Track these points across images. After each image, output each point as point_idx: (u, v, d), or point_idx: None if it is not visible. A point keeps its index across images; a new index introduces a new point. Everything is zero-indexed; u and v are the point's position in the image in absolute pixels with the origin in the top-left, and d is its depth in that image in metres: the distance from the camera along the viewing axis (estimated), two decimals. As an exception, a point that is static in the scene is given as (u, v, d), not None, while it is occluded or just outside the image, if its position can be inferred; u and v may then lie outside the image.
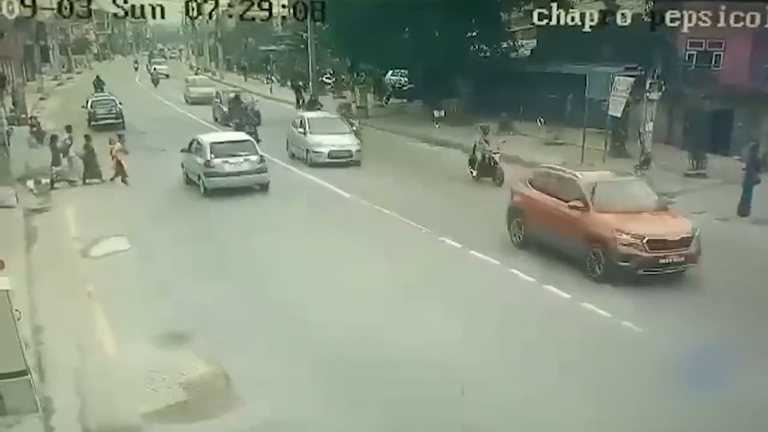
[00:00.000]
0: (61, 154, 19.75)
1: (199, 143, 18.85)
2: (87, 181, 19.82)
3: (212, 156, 18.09)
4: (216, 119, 32.64)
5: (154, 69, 61.85)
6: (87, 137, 20.48)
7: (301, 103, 36.75)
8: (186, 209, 17.41)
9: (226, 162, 18.12)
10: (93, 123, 29.36)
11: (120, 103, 30.96)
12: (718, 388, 7.92)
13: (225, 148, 18.55)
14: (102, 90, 39.30)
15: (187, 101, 41.27)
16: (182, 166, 19.73)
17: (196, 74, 58.90)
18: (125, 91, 42.28)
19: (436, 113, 29.42)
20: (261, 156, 18.71)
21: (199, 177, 18.50)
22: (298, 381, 8.68)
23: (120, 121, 29.53)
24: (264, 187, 18.51)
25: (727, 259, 12.68)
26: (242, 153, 18.43)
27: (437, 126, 28.87)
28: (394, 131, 29.31)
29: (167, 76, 60.24)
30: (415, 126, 29.58)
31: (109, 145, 20.08)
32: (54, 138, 20.22)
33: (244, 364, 9.03)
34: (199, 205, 17.77)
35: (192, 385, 8.70)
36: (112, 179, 19.78)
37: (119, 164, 19.64)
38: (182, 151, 19.58)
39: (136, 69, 73.18)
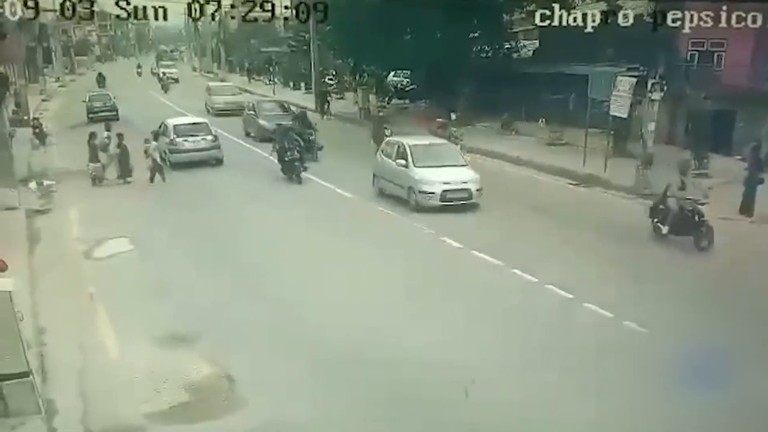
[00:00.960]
0: (101, 152, 20.08)
1: (165, 126, 22.64)
2: (119, 179, 20.09)
3: (175, 136, 21.92)
4: (248, 134, 28.14)
5: (163, 73, 56.39)
6: (120, 135, 20.48)
7: (325, 109, 34.68)
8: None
9: (186, 140, 21.90)
10: (90, 115, 32.43)
11: (114, 98, 34.86)
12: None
13: (185, 130, 22.50)
14: (104, 86, 44.47)
15: (208, 111, 35.48)
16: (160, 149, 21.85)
17: (221, 80, 52.41)
18: (132, 98, 38.90)
19: (453, 116, 27.72)
20: (215, 136, 22.63)
21: (165, 153, 21.55)
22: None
23: (114, 113, 32.48)
24: (219, 161, 22.27)
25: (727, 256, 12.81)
26: (199, 133, 22.32)
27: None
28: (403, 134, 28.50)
29: (177, 80, 55.79)
30: (422, 128, 29.09)
31: (145, 144, 20.22)
32: (92, 135, 20.36)
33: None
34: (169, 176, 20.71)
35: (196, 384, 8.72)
36: (151, 179, 20.02)
37: (155, 162, 19.97)
38: (152, 132, 21.46)
39: (140, 73, 66.01)
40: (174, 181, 20.47)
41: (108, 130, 21.07)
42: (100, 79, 48.31)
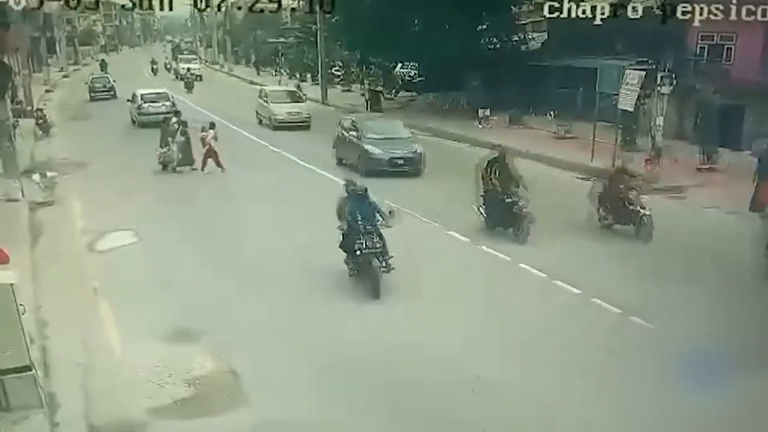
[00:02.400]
0: (170, 138, 20.39)
1: (134, 95, 29.08)
2: (178, 168, 20.33)
3: (142, 102, 28.23)
4: (341, 161, 21.08)
5: (187, 69, 47.55)
6: (184, 123, 20.75)
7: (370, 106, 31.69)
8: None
9: (151, 106, 27.77)
10: (92, 94, 38.14)
11: (114, 81, 39.29)
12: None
13: (150, 98, 28.61)
14: (105, 71, 47.50)
15: (260, 122, 29.36)
16: (129, 111, 29.25)
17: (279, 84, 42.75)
18: None
19: (480, 113, 26.97)
20: (173, 102, 27.98)
21: (134, 115, 28.57)
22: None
23: (112, 93, 37.67)
24: None
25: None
26: (161, 100, 28.18)
27: (480, 126, 26.71)
28: (418, 128, 26.71)
29: (200, 77, 47.85)
30: (429, 119, 28.77)
31: (201, 133, 20.37)
32: (166, 120, 21.13)
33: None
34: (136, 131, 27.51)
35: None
36: (202, 168, 20.27)
37: (211, 151, 20.16)
38: (128, 101, 28.81)
39: (155, 70, 56.89)
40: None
41: (178, 116, 21.34)
42: (103, 65, 53.58)
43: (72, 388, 8.38)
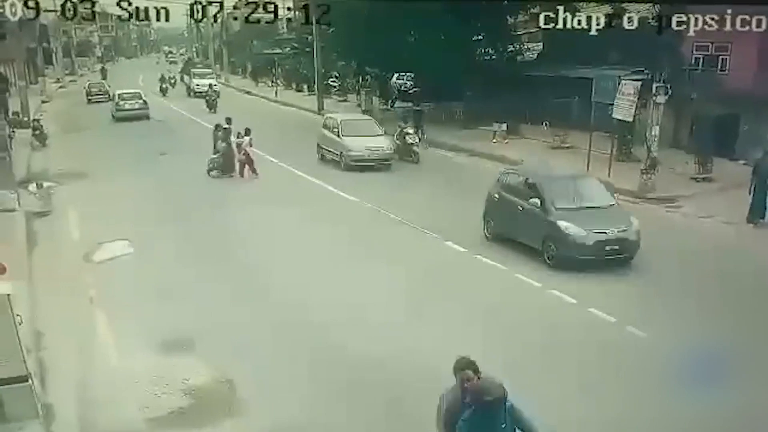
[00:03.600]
0: (220, 143, 21.10)
1: (114, 95, 36.04)
2: (213, 173, 20.94)
3: (118, 100, 34.57)
4: (486, 231, 14.87)
5: (209, 86, 41.10)
6: (226, 130, 21.34)
7: (422, 137, 25.69)
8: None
9: (127, 103, 34.33)
10: (89, 98, 42.64)
11: (109, 85, 44.07)
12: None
13: (126, 96, 34.85)
14: (105, 78, 51.77)
15: (322, 158, 23.50)
16: (110, 109, 35.02)
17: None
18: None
19: (496, 126, 26.21)
20: (145, 100, 34.84)
21: (113, 111, 34.63)
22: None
23: (107, 96, 40.74)
24: (147, 116, 34.15)
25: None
26: (135, 99, 34.63)
27: (494, 142, 25.79)
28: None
29: (219, 94, 39.88)
30: (430, 131, 28.20)
31: (237, 140, 20.78)
32: (217, 127, 21.85)
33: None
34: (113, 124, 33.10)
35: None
36: (241, 174, 20.74)
37: (247, 157, 20.62)
38: (110, 99, 35.67)
39: (164, 89, 48.40)
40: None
41: (228, 124, 21.70)
42: (103, 72, 58.62)
43: (68, 398, 8.36)
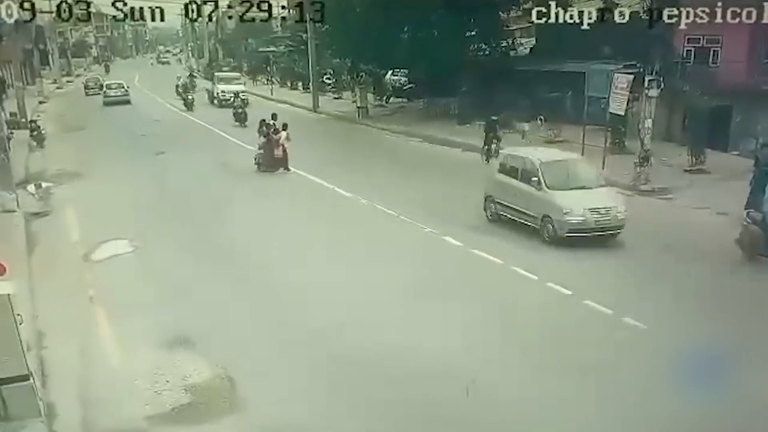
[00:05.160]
0: (262, 138, 21.50)
1: (103, 85, 45.00)
2: (263, 169, 21.17)
3: (106, 89, 42.72)
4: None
5: (235, 94, 35.75)
6: (268, 126, 21.60)
7: (492, 150, 21.39)
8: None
9: (111, 90, 42.26)
10: (86, 90, 48.24)
11: (102, 79, 51.12)
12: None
13: (113, 86, 42.73)
14: (108, 72, 63.71)
15: (496, 218, 15.75)
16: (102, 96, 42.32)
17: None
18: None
19: (526, 127, 25.06)
20: (126, 89, 42.56)
21: (102, 98, 42.41)
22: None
23: (101, 89, 45.43)
24: (128, 102, 41.44)
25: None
26: (119, 87, 42.55)
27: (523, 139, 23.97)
28: (410, 134, 28.26)
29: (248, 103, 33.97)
30: (424, 126, 28.80)
31: (275, 135, 21.12)
32: (262, 123, 22.01)
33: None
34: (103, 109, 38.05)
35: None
36: (277, 168, 21.03)
37: (284, 153, 21.03)
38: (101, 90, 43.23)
39: (189, 102, 38.09)
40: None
41: (274, 119, 21.96)
42: (107, 67, 68.81)
43: (70, 396, 8.46)
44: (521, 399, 8.33)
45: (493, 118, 22.98)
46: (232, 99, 35.41)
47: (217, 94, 39.46)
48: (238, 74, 47.77)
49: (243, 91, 37.44)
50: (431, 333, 9.97)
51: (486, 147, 22.02)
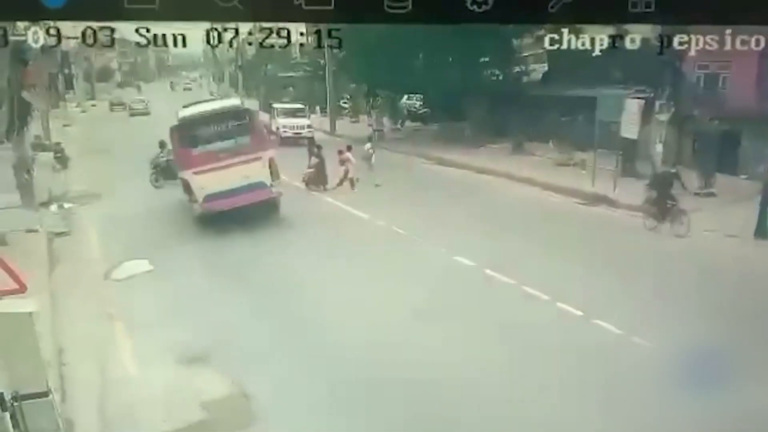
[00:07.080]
0: (313, 158, 22.10)
1: (127, 102, 42.88)
2: (312, 187, 21.74)
3: (131, 104, 41.58)
4: None
5: (301, 128, 30.16)
6: (318, 147, 22.40)
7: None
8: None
9: (135, 104, 40.40)
10: (111, 108, 50.84)
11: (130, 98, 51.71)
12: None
13: (136, 102, 41.91)
14: (140, 90, 59.72)
15: None
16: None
17: None
18: None
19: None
20: (147, 103, 41.75)
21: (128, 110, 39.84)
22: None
23: (123, 107, 48.59)
24: (148, 113, 41.22)
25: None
26: (140, 101, 43.24)
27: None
28: (425, 156, 28.42)
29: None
30: (439, 149, 28.94)
31: (339, 156, 21.70)
32: (311, 141, 23.21)
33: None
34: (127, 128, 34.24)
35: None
36: (337, 185, 21.55)
37: (346, 172, 21.60)
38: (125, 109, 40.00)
39: None
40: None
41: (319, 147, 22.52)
42: (138, 88, 64.37)
43: (89, 413, 8.73)
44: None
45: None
46: (294, 135, 29.02)
47: (278, 129, 30.43)
48: (301, 105, 35.92)
49: (308, 125, 30.26)
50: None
51: None
